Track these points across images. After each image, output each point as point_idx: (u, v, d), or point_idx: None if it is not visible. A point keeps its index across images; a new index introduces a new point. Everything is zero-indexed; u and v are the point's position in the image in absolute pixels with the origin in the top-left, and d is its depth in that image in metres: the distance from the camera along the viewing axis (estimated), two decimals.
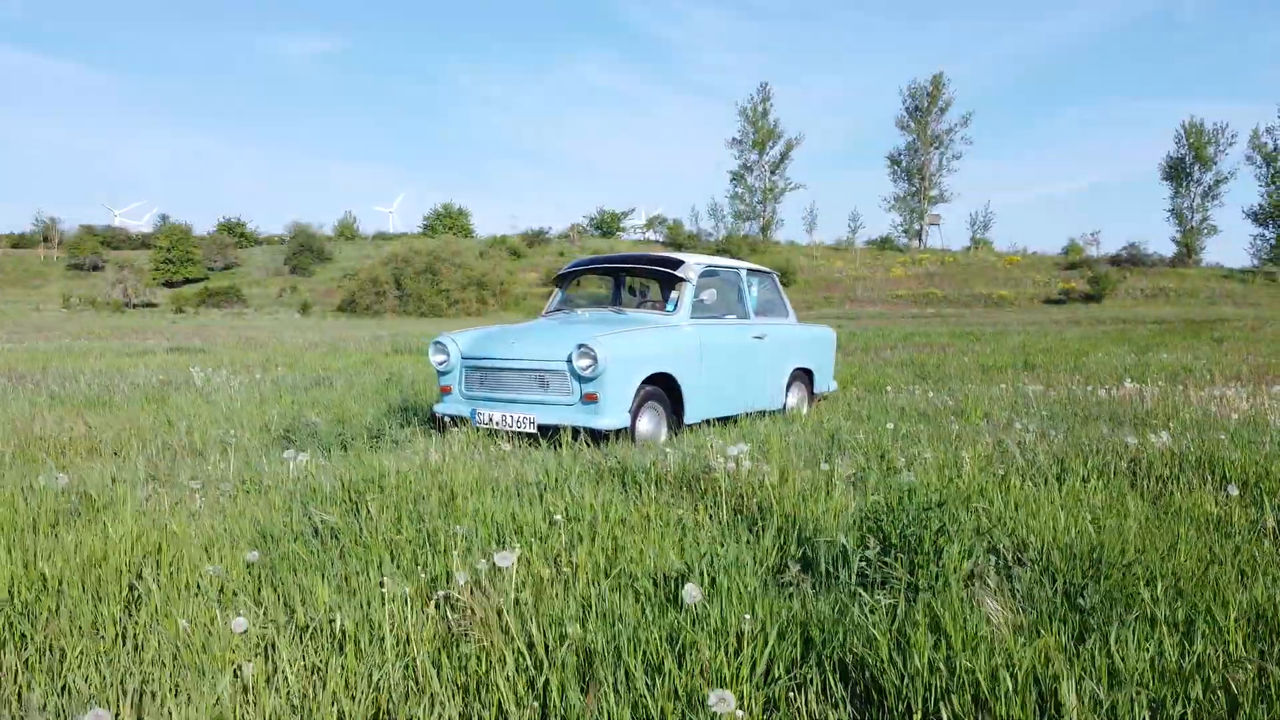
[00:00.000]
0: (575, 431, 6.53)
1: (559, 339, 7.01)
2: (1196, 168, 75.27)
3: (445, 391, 7.55)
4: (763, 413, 8.35)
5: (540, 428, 6.82)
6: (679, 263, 7.90)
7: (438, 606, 2.76)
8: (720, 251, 73.91)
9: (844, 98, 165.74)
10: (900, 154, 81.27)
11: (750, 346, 8.31)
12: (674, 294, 7.88)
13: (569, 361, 6.80)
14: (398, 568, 3.25)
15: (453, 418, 7.30)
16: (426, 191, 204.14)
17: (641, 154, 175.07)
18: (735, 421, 7.89)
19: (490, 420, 6.98)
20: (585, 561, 3.26)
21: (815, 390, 9.46)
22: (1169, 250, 75.94)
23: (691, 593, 2.47)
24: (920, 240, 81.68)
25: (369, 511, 3.91)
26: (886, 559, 3.05)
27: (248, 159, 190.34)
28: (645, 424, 7.12)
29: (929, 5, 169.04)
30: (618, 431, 6.75)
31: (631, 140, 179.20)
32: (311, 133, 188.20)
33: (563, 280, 8.75)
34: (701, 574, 2.97)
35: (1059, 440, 6.16)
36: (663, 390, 7.27)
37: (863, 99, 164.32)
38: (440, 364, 7.49)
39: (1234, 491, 4.23)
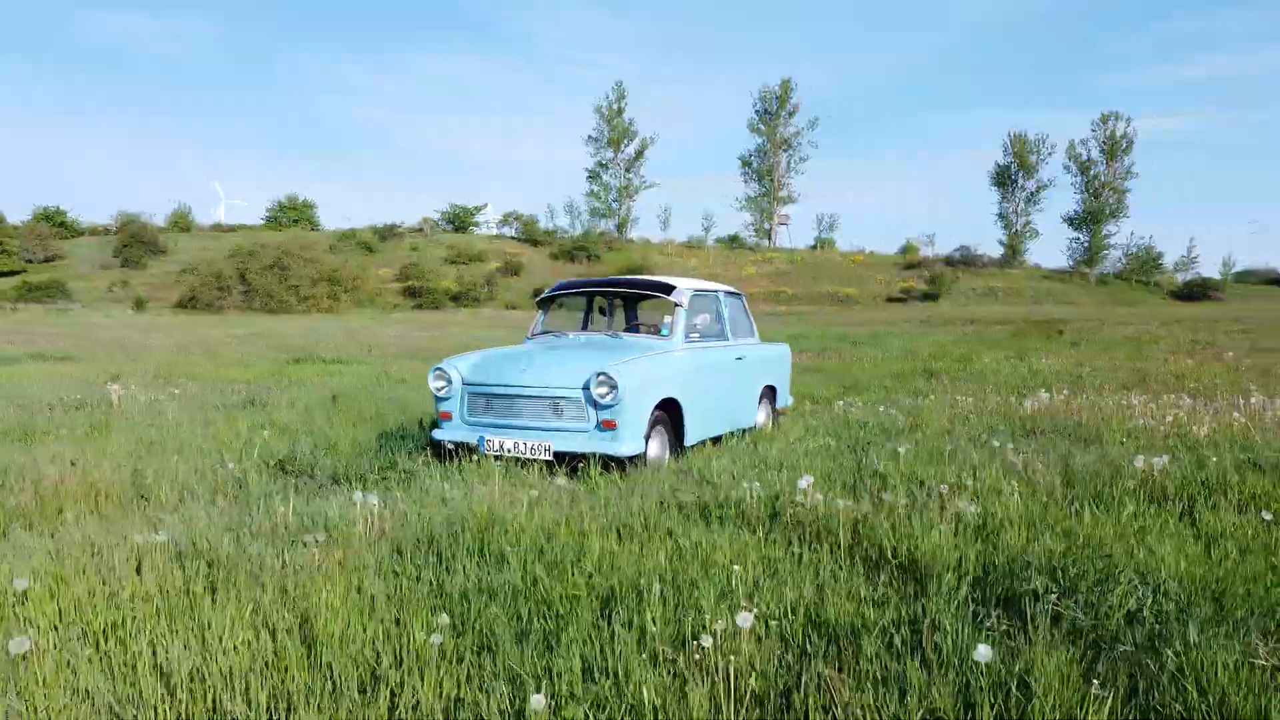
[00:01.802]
0: (604, 462, 6.66)
1: (573, 366, 7.06)
2: (1021, 175, 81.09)
3: (445, 417, 7.48)
4: (743, 431, 8.65)
5: (556, 454, 6.88)
6: (671, 287, 8.10)
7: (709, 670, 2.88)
8: (577, 248, 74.15)
9: (703, 99, 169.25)
10: (751, 156, 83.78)
11: (733, 367, 8.59)
12: (668, 318, 8.06)
13: (586, 389, 6.88)
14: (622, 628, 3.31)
15: (456, 444, 7.24)
16: (269, 182, 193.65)
17: (496, 149, 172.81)
18: (722, 441, 8.15)
19: (500, 447, 6.98)
20: (783, 613, 3.43)
21: (776, 406, 9.84)
22: (997, 252, 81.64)
23: (984, 653, 2.70)
24: (770, 240, 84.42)
25: (523, 565, 3.94)
26: (1070, 602, 3.38)
27: (69, 146, 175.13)
28: (654, 448, 7.29)
29: (789, 9, 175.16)
30: (634, 457, 6.89)
31: (487, 135, 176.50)
32: (145, 121, 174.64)
33: (546, 303, 8.78)
34: (924, 624, 3.20)
35: (1053, 461, 6.68)
36: (665, 414, 7.44)
37: (721, 101, 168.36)
38: (440, 390, 7.42)
39: (1267, 516, 4.79)
